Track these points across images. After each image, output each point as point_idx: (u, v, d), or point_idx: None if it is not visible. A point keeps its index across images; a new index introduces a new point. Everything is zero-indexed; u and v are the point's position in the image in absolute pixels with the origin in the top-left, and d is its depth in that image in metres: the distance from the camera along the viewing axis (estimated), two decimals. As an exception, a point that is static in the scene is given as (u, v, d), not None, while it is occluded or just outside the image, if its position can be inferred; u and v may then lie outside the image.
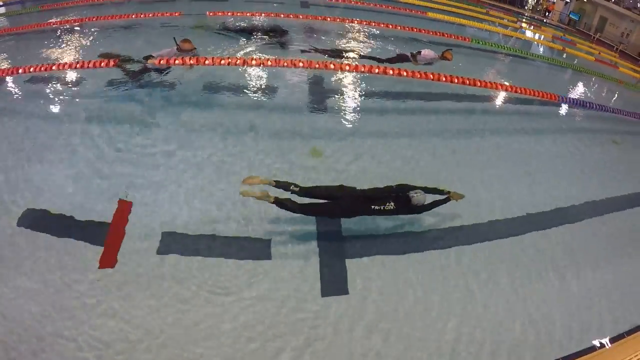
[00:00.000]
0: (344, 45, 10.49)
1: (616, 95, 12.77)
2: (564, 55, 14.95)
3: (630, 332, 4.75)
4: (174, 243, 4.71)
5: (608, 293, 5.22)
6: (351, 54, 9.85)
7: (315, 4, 13.05)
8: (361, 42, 11.13)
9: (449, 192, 5.23)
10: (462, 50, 11.37)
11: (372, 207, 4.68)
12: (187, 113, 6.80)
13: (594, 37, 25.34)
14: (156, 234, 4.77)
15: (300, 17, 11.27)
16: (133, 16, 10.17)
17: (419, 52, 9.21)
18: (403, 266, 4.91)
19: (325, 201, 4.71)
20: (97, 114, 6.62)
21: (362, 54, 9.96)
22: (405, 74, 7.31)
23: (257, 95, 7.61)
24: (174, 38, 7.21)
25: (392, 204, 4.71)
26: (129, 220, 4.89)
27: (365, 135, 7.04)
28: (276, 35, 10.45)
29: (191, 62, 6.57)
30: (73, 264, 4.38)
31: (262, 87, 7.92)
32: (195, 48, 7.29)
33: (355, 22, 11.75)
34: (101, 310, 4.03)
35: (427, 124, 7.81)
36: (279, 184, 4.64)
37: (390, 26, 11.49)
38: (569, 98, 8.75)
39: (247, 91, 7.64)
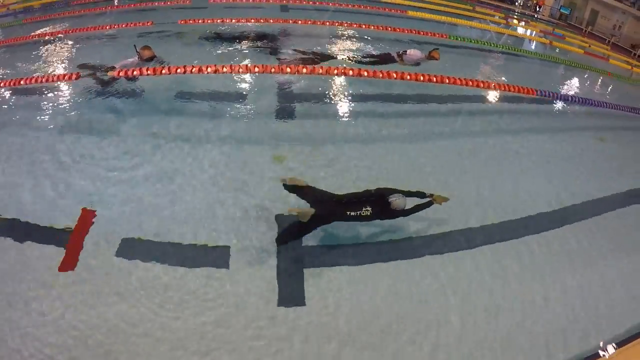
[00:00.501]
0: (325, 49, 10.18)
1: (606, 88, 12.47)
2: (555, 50, 14.64)
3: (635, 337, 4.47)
4: (133, 250, 4.61)
5: (608, 292, 5.01)
6: (333, 57, 9.57)
7: (295, 8, 12.77)
8: (343, 44, 10.84)
9: (431, 195, 4.91)
10: (450, 49, 11.08)
11: (348, 212, 4.41)
12: (154, 121, 6.61)
13: (585, 31, 25.04)
14: (116, 241, 4.68)
15: (281, 21, 10.99)
16: (107, 27, 9.93)
17: (405, 52, 9.01)
18: (374, 276, 4.64)
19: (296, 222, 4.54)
20: (65, 123, 6.51)
21: (344, 56, 9.70)
22: (395, 75, 7.08)
23: (227, 102, 7.32)
24: (134, 46, 7.01)
25: (369, 209, 4.44)
26: (92, 228, 4.82)
27: (343, 138, 6.80)
28: (263, 41, 10.17)
29: (148, 72, 6.29)
30: (34, 266, 4.33)
31: (234, 94, 7.64)
32: (155, 56, 7.08)
33: (336, 24, 11.41)
34: (55, 314, 3.95)
35: (416, 126, 7.58)
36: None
37: (372, 27, 11.18)
38: (550, 92, 8.34)
39: (216, 98, 7.35)
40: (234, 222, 5.02)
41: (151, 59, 6.97)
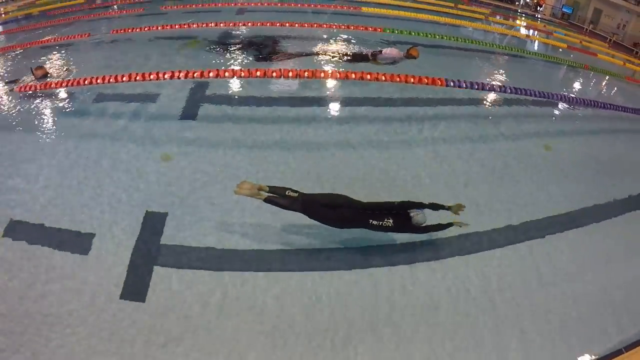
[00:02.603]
0: (297, 50, 9.96)
1: (578, 81, 11.90)
2: (533, 44, 13.98)
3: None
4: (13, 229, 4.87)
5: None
6: (305, 58, 9.42)
7: (253, 10, 12.58)
8: (313, 45, 10.50)
9: (449, 208, 4.88)
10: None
11: (371, 221, 4.56)
12: (63, 121, 6.85)
13: (586, 30, 24.24)
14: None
15: (232, 24, 10.82)
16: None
17: (380, 51, 8.72)
18: (223, 284, 4.47)
19: (324, 207, 4.63)
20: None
21: (316, 57, 9.52)
22: (369, 77, 6.98)
23: (138, 105, 7.32)
24: (31, 68, 7.78)
25: (391, 220, 4.56)
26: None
27: (242, 143, 6.62)
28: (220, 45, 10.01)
29: (39, 87, 6.91)
30: None
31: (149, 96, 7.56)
32: (48, 73, 8.03)
33: (304, 25, 11.17)
34: None
35: (327, 128, 7.20)
36: (272, 189, 4.69)
37: (341, 27, 10.95)
38: (466, 82, 7.51)
39: (128, 101, 7.41)
40: (107, 212, 5.12)
41: (45, 76, 7.85)
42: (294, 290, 4.46)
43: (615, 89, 12.34)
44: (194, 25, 10.45)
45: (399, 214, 4.60)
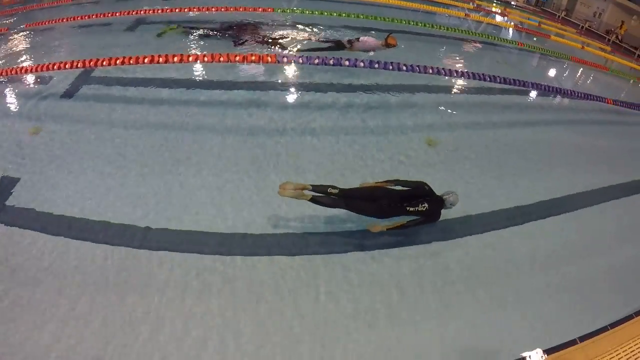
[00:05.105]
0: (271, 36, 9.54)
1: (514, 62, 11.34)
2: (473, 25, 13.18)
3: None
4: None
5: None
6: (277, 45, 9.09)
7: None
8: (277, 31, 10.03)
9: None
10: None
11: (407, 208, 4.63)
12: None
13: (559, 17, 23.54)
14: None
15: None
16: None
17: (358, 39, 8.42)
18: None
19: (364, 201, 4.69)
20: None
21: (287, 44, 9.14)
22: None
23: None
24: None
25: (426, 205, 4.63)
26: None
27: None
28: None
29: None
30: None
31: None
32: None
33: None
34: None
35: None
36: (315, 188, 4.67)
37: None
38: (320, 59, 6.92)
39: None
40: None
41: None
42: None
43: (556, 69, 11.70)
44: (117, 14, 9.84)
45: (432, 198, 4.66)
